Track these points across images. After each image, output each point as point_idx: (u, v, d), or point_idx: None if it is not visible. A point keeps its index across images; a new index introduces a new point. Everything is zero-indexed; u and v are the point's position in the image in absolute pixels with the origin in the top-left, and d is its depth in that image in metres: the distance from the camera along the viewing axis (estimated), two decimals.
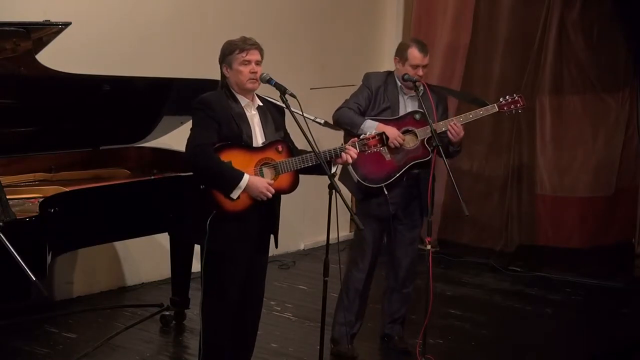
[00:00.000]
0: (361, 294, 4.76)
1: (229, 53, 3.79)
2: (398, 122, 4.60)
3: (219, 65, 3.85)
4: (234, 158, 3.68)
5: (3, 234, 2.91)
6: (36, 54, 4.16)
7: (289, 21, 6.89)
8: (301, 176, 3.88)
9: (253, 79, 3.75)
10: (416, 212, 4.77)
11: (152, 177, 4.89)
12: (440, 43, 7.24)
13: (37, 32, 4.03)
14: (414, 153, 4.62)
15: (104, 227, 4.48)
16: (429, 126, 4.53)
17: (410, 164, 4.62)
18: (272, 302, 5.61)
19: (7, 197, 3.41)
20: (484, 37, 7.14)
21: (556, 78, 6.85)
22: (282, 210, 3.97)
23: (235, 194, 3.64)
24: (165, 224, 4.86)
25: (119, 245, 5.87)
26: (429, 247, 4.56)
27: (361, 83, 4.74)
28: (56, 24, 4.06)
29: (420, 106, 4.61)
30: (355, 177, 4.56)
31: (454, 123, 4.58)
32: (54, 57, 4.32)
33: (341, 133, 4.72)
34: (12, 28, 3.90)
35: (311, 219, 6.96)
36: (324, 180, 3.78)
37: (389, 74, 4.74)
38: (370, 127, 4.49)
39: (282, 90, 3.76)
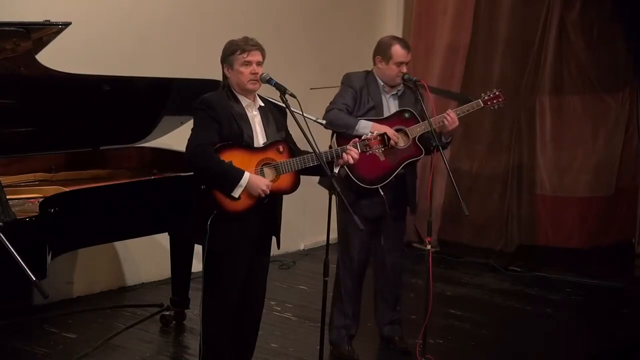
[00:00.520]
0: (353, 296, 4.74)
1: (230, 53, 3.79)
2: (388, 122, 4.58)
3: (219, 65, 3.86)
4: (234, 158, 3.68)
5: (3, 234, 2.90)
6: (36, 54, 4.16)
7: (289, 21, 6.90)
8: (301, 176, 3.88)
9: (254, 80, 3.75)
10: (402, 209, 4.77)
11: (152, 177, 4.89)
12: (440, 43, 7.24)
13: (37, 32, 4.03)
14: (407, 152, 4.61)
15: (104, 227, 4.48)
16: (418, 125, 4.55)
17: (404, 163, 4.62)
18: (272, 302, 5.61)
19: (7, 197, 3.41)
20: (484, 37, 7.14)
21: (556, 78, 6.86)
22: (282, 210, 3.97)
23: (236, 193, 3.64)
24: (165, 224, 4.85)
25: (119, 245, 5.87)
26: (429, 247, 4.56)
27: (342, 83, 4.68)
28: (56, 24, 4.06)
29: (401, 105, 4.63)
30: (353, 178, 4.52)
31: (448, 112, 4.55)
32: (54, 57, 4.32)
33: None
34: (12, 28, 3.89)
35: (311, 219, 6.96)
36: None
37: (368, 73, 4.70)
38: (365, 127, 4.46)
39: (282, 91, 3.76)
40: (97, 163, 5.07)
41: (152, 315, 5.33)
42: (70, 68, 4.46)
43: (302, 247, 7.27)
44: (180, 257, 5.18)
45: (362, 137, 3.94)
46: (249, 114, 3.80)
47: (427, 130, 4.54)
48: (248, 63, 3.75)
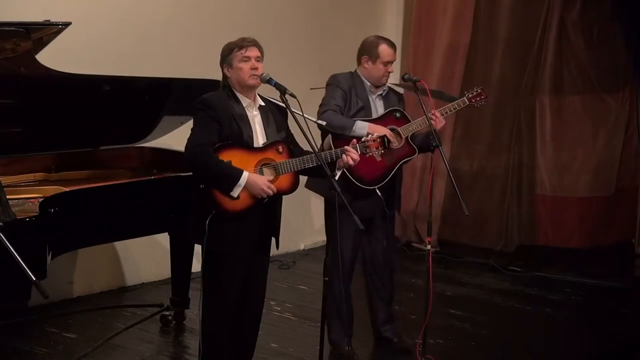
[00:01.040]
0: (346, 295, 4.70)
1: (228, 53, 3.79)
2: (381, 122, 4.58)
3: (218, 66, 3.85)
4: (233, 158, 3.68)
5: (3, 234, 2.90)
6: (36, 54, 4.16)
7: (289, 21, 6.90)
8: (301, 176, 3.87)
9: (254, 75, 3.75)
10: (391, 207, 4.78)
11: (152, 177, 4.89)
12: (440, 43, 7.25)
13: (37, 32, 4.03)
14: (402, 151, 4.62)
15: (104, 227, 4.48)
16: (409, 124, 4.56)
17: (400, 162, 4.63)
18: (272, 302, 5.62)
19: (7, 197, 3.41)
20: (484, 37, 7.15)
21: (556, 78, 6.86)
22: (282, 211, 3.97)
23: (235, 192, 3.64)
24: (165, 224, 4.85)
25: (119, 245, 5.87)
26: (429, 247, 4.56)
27: (329, 84, 4.65)
28: (56, 24, 4.06)
29: (387, 105, 4.65)
30: (353, 179, 4.51)
31: (433, 112, 4.55)
32: (54, 57, 4.32)
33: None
34: (12, 28, 3.89)
35: (311, 219, 6.97)
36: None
37: (353, 74, 4.69)
38: (362, 128, 4.46)
39: (282, 90, 3.76)
40: (97, 163, 5.07)
41: (152, 315, 5.33)
42: (70, 68, 4.46)
43: (302, 247, 7.27)
44: (180, 257, 5.18)
45: (362, 139, 3.94)
46: (249, 114, 3.79)
47: (418, 129, 4.57)
48: (247, 58, 3.75)
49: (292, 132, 3.95)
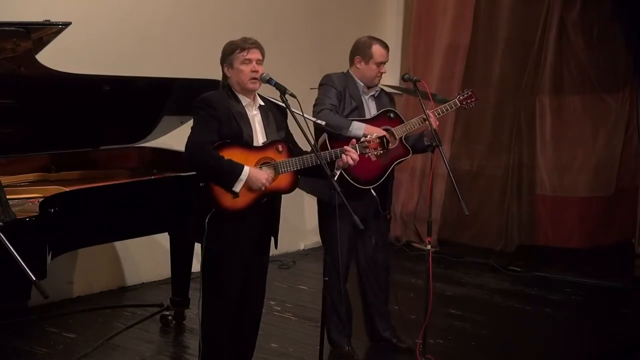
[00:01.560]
0: (345, 295, 4.71)
1: (230, 53, 3.79)
2: (375, 122, 4.58)
3: (218, 65, 3.85)
4: (233, 156, 3.67)
5: (3, 234, 2.90)
6: (36, 54, 4.16)
7: (289, 21, 6.90)
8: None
9: (254, 78, 3.75)
10: (385, 207, 4.78)
11: (152, 177, 4.89)
12: (440, 43, 7.24)
13: (37, 32, 4.03)
14: (396, 152, 4.62)
15: (104, 227, 4.48)
16: (403, 125, 4.57)
17: (394, 163, 4.63)
18: (272, 302, 5.62)
19: (7, 197, 3.41)
20: (484, 37, 7.14)
21: (556, 78, 6.86)
22: (282, 210, 3.97)
23: (237, 187, 3.64)
24: (165, 224, 4.85)
25: (119, 245, 5.87)
26: (429, 247, 4.56)
27: (323, 84, 4.64)
28: (56, 24, 4.06)
29: (379, 106, 4.66)
30: (349, 180, 4.50)
31: (428, 112, 4.55)
32: (54, 57, 4.32)
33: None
34: (12, 28, 3.89)
35: (311, 219, 6.96)
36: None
37: (346, 74, 4.69)
38: (359, 128, 4.46)
39: (282, 90, 3.76)
40: (97, 163, 5.07)
41: (152, 315, 5.33)
42: (70, 68, 4.46)
43: (302, 247, 7.27)
44: (180, 257, 5.18)
45: (362, 140, 3.94)
46: (249, 113, 3.80)
47: (412, 130, 4.58)
48: (248, 61, 3.75)
49: (291, 132, 3.95)
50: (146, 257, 5.97)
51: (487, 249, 7.08)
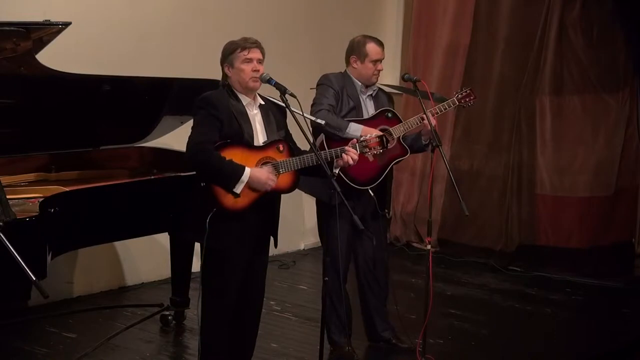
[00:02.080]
0: (345, 294, 4.71)
1: (230, 52, 3.79)
2: (373, 122, 4.58)
3: (218, 65, 3.86)
4: (234, 156, 3.68)
5: (3, 234, 2.90)
6: (36, 54, 4.16)
7: (289, 21, 6.90)
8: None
9: (255, 77, 3.75)
10: (383, 207, 4.79)
11: (152, 177, 4.89)
12: (440, 43, 7.25)
13: (37, 32, 4.03)
14: (394, 152, 4.62)
15: (104, 227, 4.48)
16: (401, 125, 4.57)
17: (392, 163, 4.63)
18: (272, 302, 5.61)
19: (7, 197, 3.41)
20: (484, 37, 7.14)
21: (556, 78, 6.85)
22: (282, 210, 3.97)
23: (238, 188, 3.64)
24: (165, 224, 4.85)
25: (119, 245, 5.87)
26: (429, 247, 4.56)
27: (321, 84, 4.64)
28: (56, 24, 4.06)
29: (377, 106, 4.66)
30: (347, 180, 4.50)
31: (427, 113, 4.55)
32: (54, 57, 4.32)
33: None
34: (12, 28, 3.89)
35: (311, 219, 6.95)
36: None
37: (343, 74, 4.69)
38: (357, 130, 4.46)
39: (282, 90, 3.76)
40: (98, 163, 5.07)
41: (152, 315, 5.33)
42: (70, 68, 4.46)
43: (302, 247, 7.27)
44: (180, 257, 5.17)
45: (362, 139, 3.94)
46: (249, 112, 3.80)
47: (410, 129, 4.58)
48: (249, 60, 3.76)
49: (291, 132, 3.95)
50: (146, 257, 5.97)
51: (487, 249, 7.08)
